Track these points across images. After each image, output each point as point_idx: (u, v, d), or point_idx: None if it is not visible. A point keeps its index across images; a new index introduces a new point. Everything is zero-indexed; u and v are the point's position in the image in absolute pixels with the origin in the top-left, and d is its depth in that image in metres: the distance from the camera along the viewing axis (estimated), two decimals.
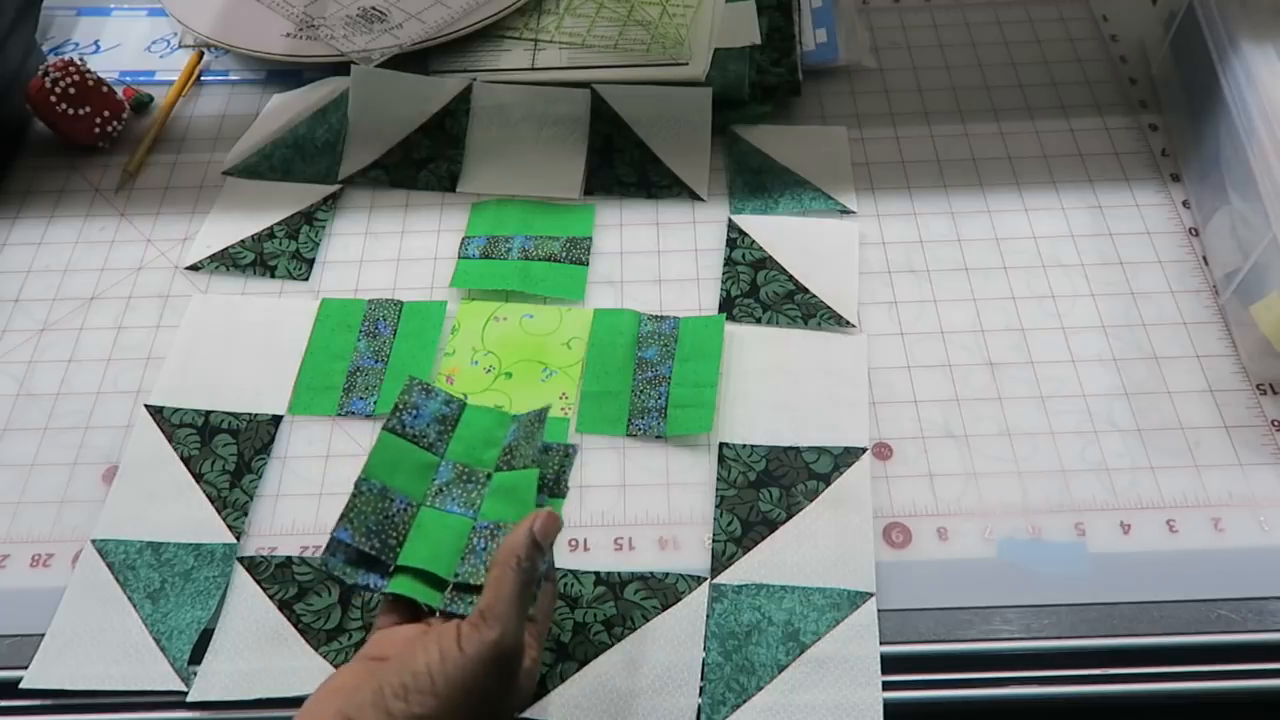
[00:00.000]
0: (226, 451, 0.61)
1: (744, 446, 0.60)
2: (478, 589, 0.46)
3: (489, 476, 0.50)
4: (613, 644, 0.53)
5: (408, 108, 0.75)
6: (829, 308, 0.66)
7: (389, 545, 0.48)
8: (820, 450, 0.59)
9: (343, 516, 0.48)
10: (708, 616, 0.54)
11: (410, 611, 0.48)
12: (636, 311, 0.66)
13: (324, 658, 0.53)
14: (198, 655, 0.53)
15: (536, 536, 0.44)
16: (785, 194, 0.72)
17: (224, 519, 0.58)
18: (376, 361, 0.64)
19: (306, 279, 0.69)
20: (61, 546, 0.58)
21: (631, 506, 0.59)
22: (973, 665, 0.52)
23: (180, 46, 0.85)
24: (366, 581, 0.47)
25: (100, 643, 0.54)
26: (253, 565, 0.56)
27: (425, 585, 0.47)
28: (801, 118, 0.77)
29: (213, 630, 0.54)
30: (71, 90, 0.74)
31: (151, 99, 0.81)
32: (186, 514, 0.58)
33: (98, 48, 0.86)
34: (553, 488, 0.50)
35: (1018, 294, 0.67)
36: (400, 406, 0.51)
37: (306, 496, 0.59)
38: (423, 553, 0.48)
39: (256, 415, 0.62)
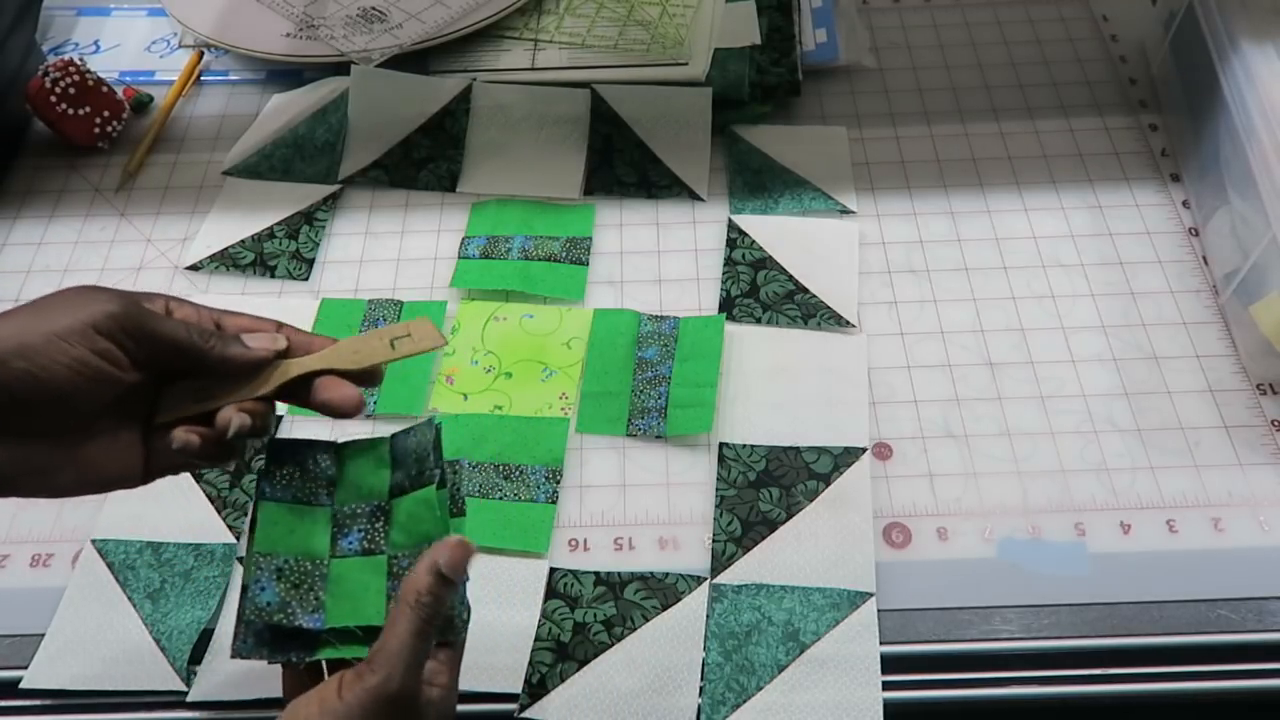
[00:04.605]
0: None
1: (744, 446, 0.60)
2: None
3: (388, 507, 0.45)
4: (613, 644, 0.53)
5: (408, 108, 0.75)
6: (829, 308, 0.66)
7: (306, 608, 0.43)
8: (820, 450, 0.59)
9: (245, 608, 0.43)
10: (708, 616, 0.54)
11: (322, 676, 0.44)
12: (636, 311, 0.66)
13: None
14: (198, 655, 0.53)
15: (443, 570, 0.40)
16: (785, 194, 0.72)
17: (224, 519, 0.58)
18: None
19: (306, 279, 0.69)
20: (61, 546, 0.58)
21: (631, 506, 0.59)
22: (973, 665, 0.52)
23: (180, 46, 0.85)
24: (289, 655, 0.43)
25: (100, 643, 0.54)
26: None
27: (355, 643, 0.43)
28: (801, 118, 0.77)
29: (213, 630, 0.54)
30: (71, 90, 0.74)
31: (151, 99, 0.81)
32: (186, 514, 0.58)
33: (98, 48, 0.86)
34: (451, 508, 0.46)
35: (1018, 294, 0.67)
36: (271, 471, 0.45)
37: None
38: (346, 609, 0.43)
39: None
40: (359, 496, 0.46)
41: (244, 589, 0.43)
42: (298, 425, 0.62)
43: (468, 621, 0.45)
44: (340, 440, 0.46)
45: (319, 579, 0.44)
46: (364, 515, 0.45)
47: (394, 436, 0.46)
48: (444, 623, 0.42)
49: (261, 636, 0.43)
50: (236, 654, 0.43)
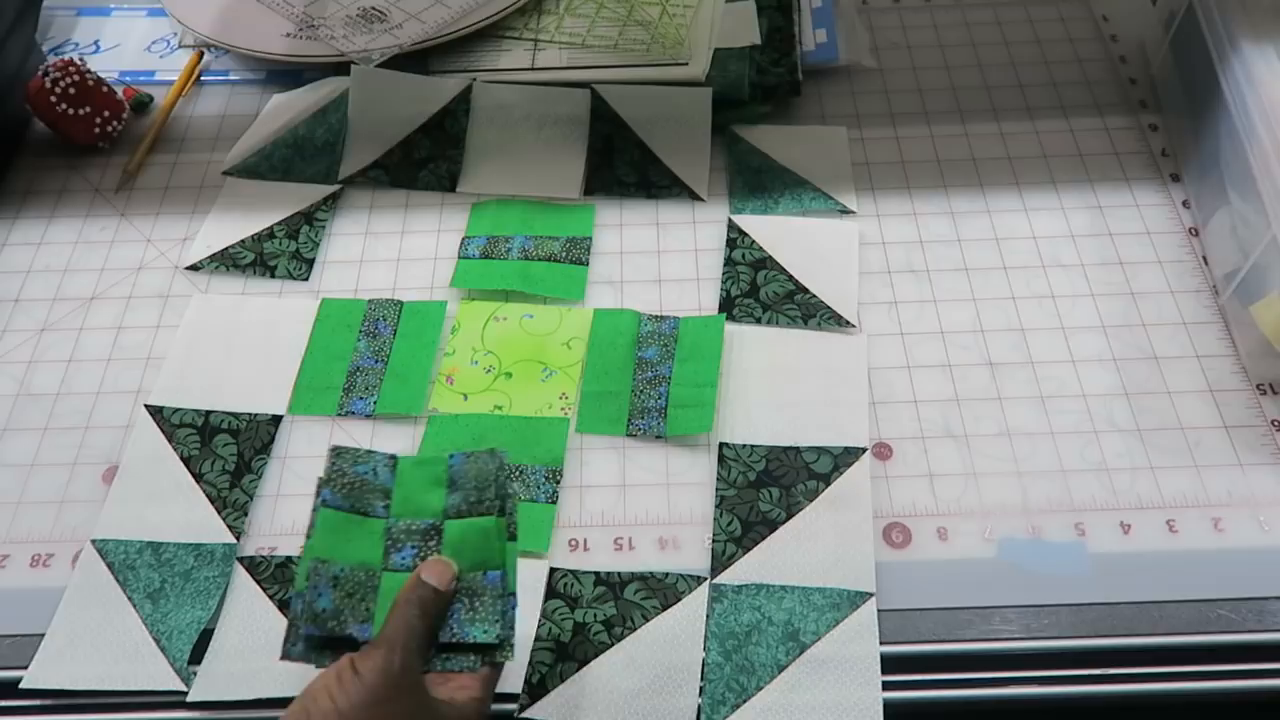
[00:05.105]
0: (226, 451, 0.61)
1: (744, 446, 0.60)
2: (469, 647, 0.45)
3: (441, 527, 0.48)
4: (613, 644, 0.53)
5: (408, 108, 0.75)
6: (829, 308, 0.66)
7: (357, 618, 0.45)
8: (820, 450, 0.59)
9: (302, 611, 0.45)
10: (708, 616, 0.54)
11: None
12: (636, 311, 0.66)
13: None
14: (198, 655, 0.53)
15: (423, 577, 0.46)
16: (785, 194, 0.72)
17: (224, 519, 0.58)
18: (376, 361, 0.64)
19: (306, 279, 0.69)
20: (61, 546, 0.58)
21: (631, 506, 0.59)
22: (973, 665, 0.52)
23: (180, 46, 0.85)
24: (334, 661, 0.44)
25: (100, 643, 0.54)
26: (253, 565, 0.56)
27: None
28: (801, 118, 0.77)
29: (213, 630, 0.54)
30: (71, 90, 0.74)
31: (151, 99, 0.81)
32: (186, 514, 0.58)
33: (98, 48, 0.86)
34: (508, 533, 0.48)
35: (1018, 294, 0.67)
36: (331, 478, 0.48)
37: (306, 496, 0.59)
38: None
39: (256, 415, 0.62)
40: (413, 512, 0.48)
41: (298, 592, 0.45)
42: (298, 422, 0.62)
43: (513, 645, 0.46)
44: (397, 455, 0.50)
45: (371, 590, 0.46)
46: (418, 533, 0.48)
47: (452, 457, 0.49)
48: (435, 620, 0.45)
49: (311, 641, 0.45)
50: (286, 656, 0.44)
